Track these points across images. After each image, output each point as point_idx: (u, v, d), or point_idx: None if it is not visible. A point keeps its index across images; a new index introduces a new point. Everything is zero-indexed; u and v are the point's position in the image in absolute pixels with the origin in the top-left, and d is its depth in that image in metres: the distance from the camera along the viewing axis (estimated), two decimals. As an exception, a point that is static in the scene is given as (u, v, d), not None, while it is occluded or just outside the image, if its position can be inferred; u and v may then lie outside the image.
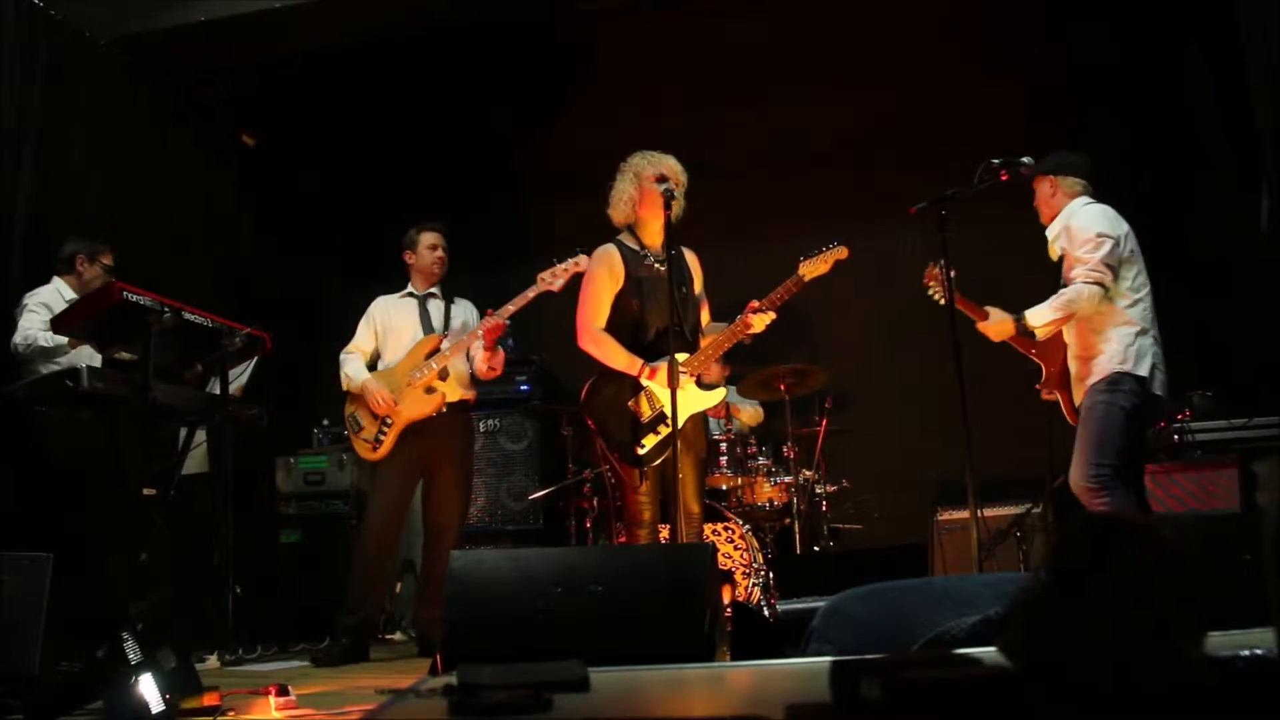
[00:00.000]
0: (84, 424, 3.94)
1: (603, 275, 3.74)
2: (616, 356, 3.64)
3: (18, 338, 4.17)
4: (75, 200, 4.90)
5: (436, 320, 4.54)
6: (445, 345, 4.40)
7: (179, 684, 2.55)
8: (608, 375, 3.67)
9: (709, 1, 5.60)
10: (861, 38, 5.71)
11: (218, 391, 3.98)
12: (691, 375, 3.61)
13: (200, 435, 4.39)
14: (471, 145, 6.34)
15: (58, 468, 4.04)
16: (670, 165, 3.79)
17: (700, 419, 3.74)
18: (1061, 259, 3.74)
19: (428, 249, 4.57)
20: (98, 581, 3.85)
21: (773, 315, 3.61)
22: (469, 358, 4.45)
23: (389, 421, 4.34)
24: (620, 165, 3.84)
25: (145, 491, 4.18)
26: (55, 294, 4.31)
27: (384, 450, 4.35)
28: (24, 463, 4.05)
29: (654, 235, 3.73)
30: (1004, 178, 3.45)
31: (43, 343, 4.12)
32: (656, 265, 3.69)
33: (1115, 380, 3.50)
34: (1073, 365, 3.69)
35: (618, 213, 3.85)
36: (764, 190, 5.90)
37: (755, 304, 3.60)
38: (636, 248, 3.78)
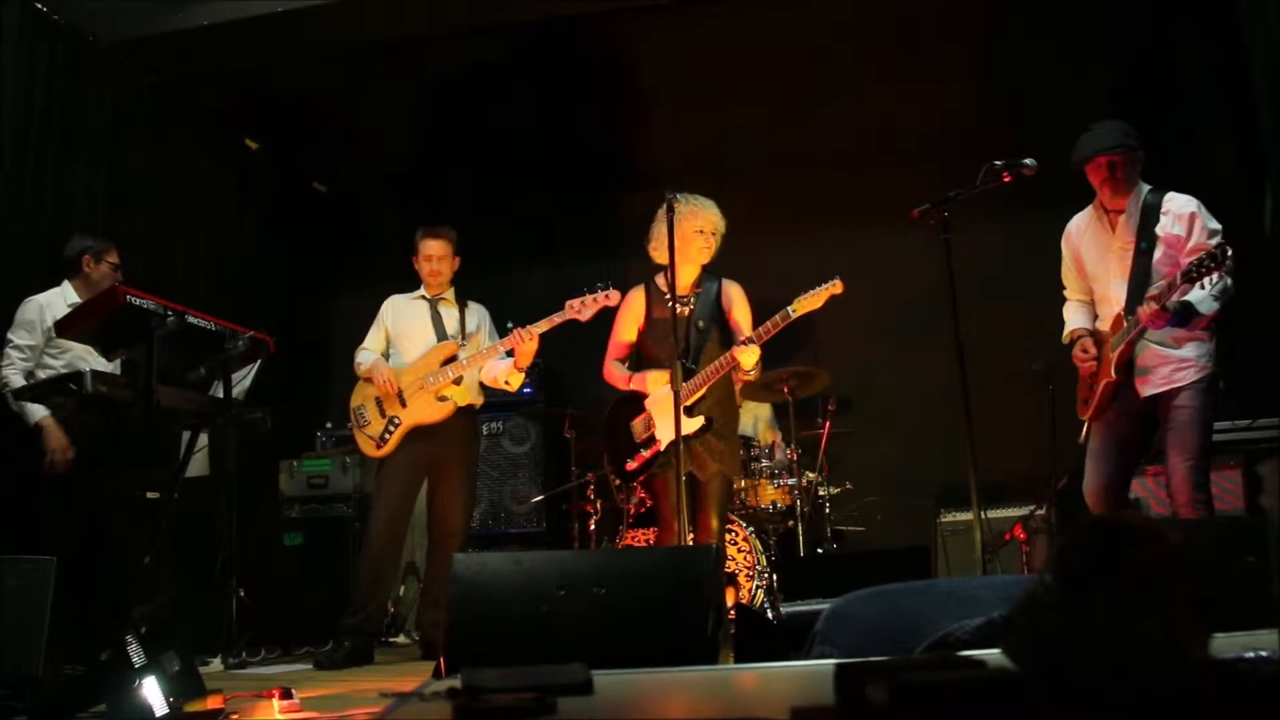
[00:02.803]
0: (87, 427, 3.95)
1: (623, 315, 4.10)
2: (617, 380, 4.03)
3: None
4: (78, 203, 4.90)
5: (449, 325, 4.53)
6: (463, 355, 4.39)
7: (182, 687, 2.55)
8: (624, 398, 4.01)
9: (713, 3, 5.61)
10: (861, 38, 5.71)
11: (221, 395, 3.98)
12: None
13: (202, 439, 4.39)
14: (475, 145, 6.35)
15: (61, 470, 4.04)
16: (708, 217, 3.89)
17: (734, 444, 3.98)
18: (1148, 245, 3.46)
19: (424, 259, 4.55)
20: (101, 584, 3.86)
21: (757, 350, 3.72)
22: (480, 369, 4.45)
23: (396, 421, 4.34)
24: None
25: (149, 495, 4.19)
26: (43, 307, 4.12)
27: (388, 449, 4.35)
28: (28, 465, 4.05)
29: (682, 276, 3.80)
30: (1006, 179, 3.43)
31: (13, 384, 3.96)
32: (670, 304, 3.77)
33: (1214, 380, 3.42)
34: (1159, 355, 3.44)
35: (654, 252, 3.97)
36: (764, 192, 5.89)
37: (743, 338, 3.74)
38: (663, 288, 3.92)
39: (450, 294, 4.61)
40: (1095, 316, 3.71)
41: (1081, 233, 3.71)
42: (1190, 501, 3.34)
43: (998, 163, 3.43)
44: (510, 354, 4.33)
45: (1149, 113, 5.48)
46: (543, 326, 4.20)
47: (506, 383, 4.40)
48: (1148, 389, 3.45)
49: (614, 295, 4.13)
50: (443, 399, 4.33)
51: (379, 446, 4.37)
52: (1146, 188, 3.54)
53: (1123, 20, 5.41)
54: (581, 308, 4.14)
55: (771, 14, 5.59)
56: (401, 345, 4.52)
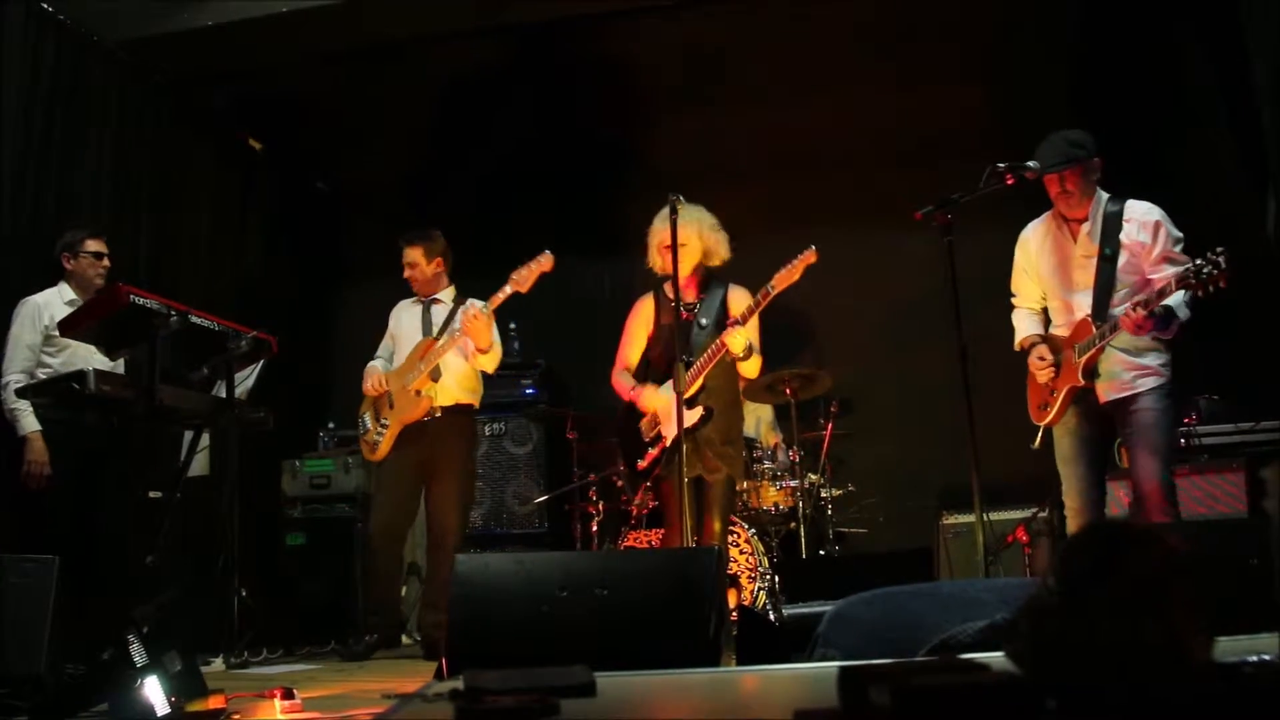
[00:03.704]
0: (89, 427, 3.95)
1: (632, 322, 4.10)
2: (622, 391, 4.03)
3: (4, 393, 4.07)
4: (80, 203, 4.90)
5: (438, 324, 4.57)
6: (438, 347, 4.45)
7: (184, 687, 2.55)
8: (632, 403, 4.02)
9: (713, 3, 5.61)
10: (862, 38, 5.71)
11: (224, 395, 3.99)
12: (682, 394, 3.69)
13: (204, 439, 4.40)
14: (476, 146, 6.35)
15: (64, 470, 4.05)
16: (666, 234, 3.82)
17: (739, 449, 3.99)
18: (1112, 252, 3.47)
19: (403, 266, 4.62)
20: (103, 584, 3.86)
21: (746, 332, 3.72)
22: (465, 357, 4.48)
23: (385, 423, 4.42)
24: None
25: (150, 494, 4.20)
26: (40, 307, 4.12)
27: (381, 452, 4.45)
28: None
29: (681, 284, 3.80)
30: (1009, 181, 3.42)
31: (15, 384, 3.98)
32: (674, 309, 3.77)
33: (1173, 386, 3.45)
34: (1123, 362, 3.45)
35: (652, 263, 4.00)
36: (764, 192, 5.89)
37: (730, 321, 3.75)
38: (670, 295, 3.92)
39: (446, 294, 4.64)
40: (1046, 324, 3.72)
41: (1040, 241, 3.71)
42: (1162, 503, 3.35)
43: (1000, 165, 3.42)
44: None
45: (1149, 113, 5.49)
46: (491, 305, 4.27)
47: (482, 368, 4.50)
48: (1109, 394, 3.47)
49: (546, 259, 4.17)
50: (419, 394, 4.38)
51: (373, 450, 4.46)
52: (1105, 196, 3.55)
53: (1123, 21, 5.40)
54: (520, 280, 4.20)
55: (772, 14, 5.59)
56: (400, 349, 4.60)
